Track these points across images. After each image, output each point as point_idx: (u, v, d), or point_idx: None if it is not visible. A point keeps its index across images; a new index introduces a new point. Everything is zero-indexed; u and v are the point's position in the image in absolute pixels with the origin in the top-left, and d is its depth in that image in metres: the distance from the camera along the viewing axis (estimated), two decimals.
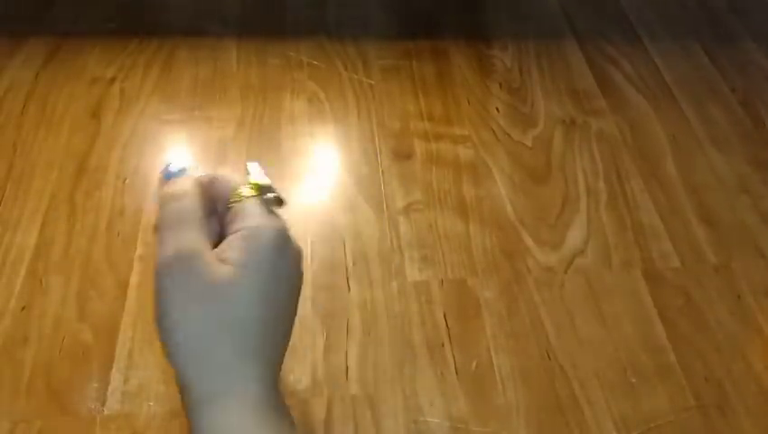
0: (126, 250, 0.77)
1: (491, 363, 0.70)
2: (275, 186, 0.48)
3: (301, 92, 0.99)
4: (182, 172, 0.48)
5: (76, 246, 0.77)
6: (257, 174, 0.48)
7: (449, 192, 0.87)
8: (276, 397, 0.43)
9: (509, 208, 0.86)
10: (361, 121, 0.95)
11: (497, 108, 0.99)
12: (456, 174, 0.89)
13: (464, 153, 0.92)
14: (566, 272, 0.79)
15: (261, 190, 0.47)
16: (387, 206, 0.84)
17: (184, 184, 0.47)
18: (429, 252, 0.80)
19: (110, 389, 0.66)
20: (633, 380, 0.70)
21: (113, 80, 0.98)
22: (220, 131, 0.92)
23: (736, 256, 0.83)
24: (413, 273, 0.78)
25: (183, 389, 0.42)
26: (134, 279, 0.75)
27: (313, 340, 0.71)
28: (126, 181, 0.85)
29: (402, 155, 0.91)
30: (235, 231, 0.45)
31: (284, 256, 0.46)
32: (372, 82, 1.01)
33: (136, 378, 0.67)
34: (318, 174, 0.89)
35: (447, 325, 0.73)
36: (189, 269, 0.42)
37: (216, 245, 0.45)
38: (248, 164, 0.49)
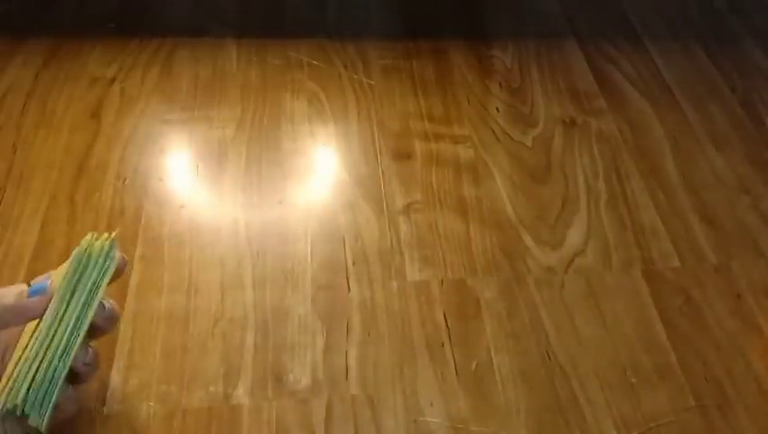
0: (126, 250, 0.76)
1: (491, 363, 0.70)
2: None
3: (301, 92, 0.99)
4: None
5: (76, 246, 0.77)
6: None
7: (449, 192, 0.87)
8: None
9: (509, 208, 0.86)
10: (361, 121, 0.95)
11: (497, 108, 0.99)
12: (456, 174, 0.89)
13: (464, 153, 0.92)
14: (566, 272, 0.79)
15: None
16: (387, 206, 0.84)
17: None
18: (429, 252, 0.80)
19: (110, 389, 0.66)
20: (633, 380, 0.70)
21: (113, 80, 0.98)
22: (220, 131, 0.92)
23: (736, 255, 0.82)
24: (413, 273, 0.78)
25: None
26: (134, 279, 0.75)
27: (313, 340, 0.71)
28: (126, 181, 0.85)
29: (402, 155, 0.91)
30: None
31: None
32: (372, 82, 1.01)
33: (136, 378, 0.67)
34: (318, 173, 0.89)
35: (447, 325, 0.73)
36: None
37: None
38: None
